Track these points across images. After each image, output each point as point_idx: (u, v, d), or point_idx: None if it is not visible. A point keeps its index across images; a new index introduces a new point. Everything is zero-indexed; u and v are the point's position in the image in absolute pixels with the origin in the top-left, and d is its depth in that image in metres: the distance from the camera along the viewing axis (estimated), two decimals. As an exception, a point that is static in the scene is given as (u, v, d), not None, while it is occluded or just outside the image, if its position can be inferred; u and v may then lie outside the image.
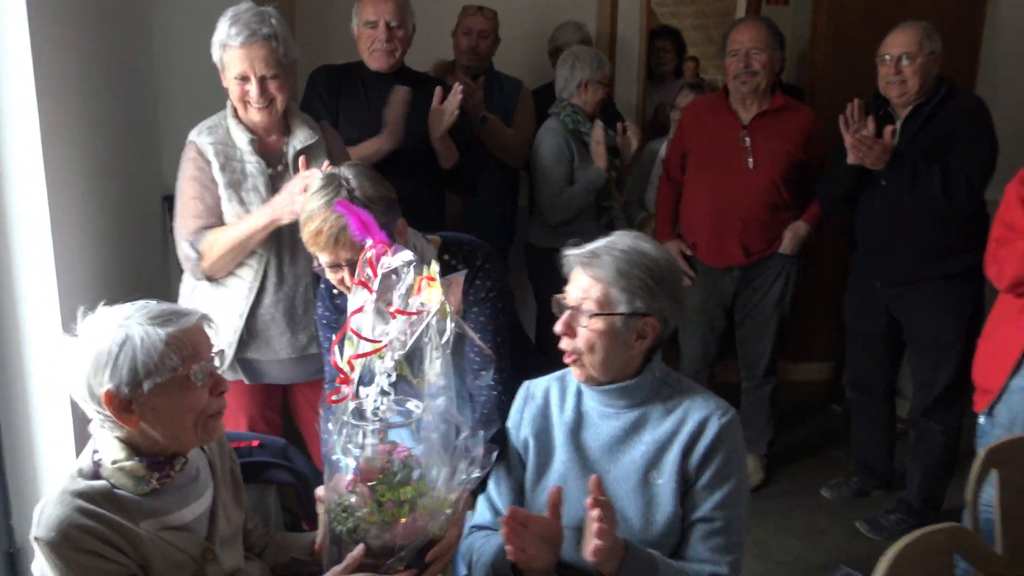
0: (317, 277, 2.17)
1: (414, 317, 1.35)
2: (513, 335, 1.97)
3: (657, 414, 1.58)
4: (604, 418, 1.61)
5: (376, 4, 2.69)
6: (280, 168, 2.22)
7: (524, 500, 1.67)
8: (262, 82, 2.11)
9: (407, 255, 1.37)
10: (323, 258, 1.71)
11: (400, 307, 1.35)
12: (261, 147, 2.19)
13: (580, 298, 1.54)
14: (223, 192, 2.16)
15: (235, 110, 2.19)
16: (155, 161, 2.76)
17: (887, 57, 2.82)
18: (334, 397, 1.38)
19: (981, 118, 2.80)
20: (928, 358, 2.99)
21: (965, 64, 3.97)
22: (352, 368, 1.38)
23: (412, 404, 1.39)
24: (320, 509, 1.48)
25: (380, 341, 1.35)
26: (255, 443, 1.68)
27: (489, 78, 3.34)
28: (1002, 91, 4.05)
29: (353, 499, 1.34)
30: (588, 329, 1.53)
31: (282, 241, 2.19)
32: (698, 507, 1.53)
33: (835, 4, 3.91)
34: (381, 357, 1.36)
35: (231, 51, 2.10)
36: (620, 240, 1.57)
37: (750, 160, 3.06)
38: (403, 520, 1.30)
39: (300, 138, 2.23)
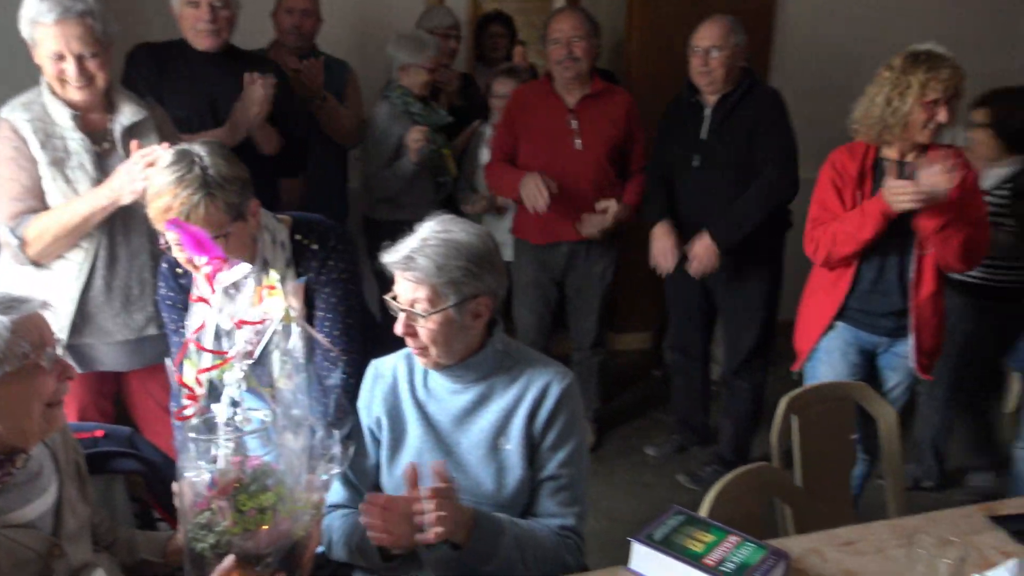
0: (155, 255, 2.10)
1: (258, 326, 1.36)
2: (360, 315, 2.01)
3: (502, 384, 1.67)
4: (452, 393, 1.68)
5: None
6: (107, 146, 2.13)
7: (380, 476, 1.73)
8: (80, 61, 2.01)
9: (245, 267, 1.37)
10: (171, 235, 1.68)
11: (243, 318, 1.36)
12: (84, 124, 2.09)
13: (410, 300, 1.58)
14: (45, 171, 2.04)
15: (51, 87, 2.07)
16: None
17: (697, 49, 3.06)
18: (184, 414, 1.36)
19: (780, 108, 3.11)
20: (735, 323, 3.30)
21: (761, 55, 4.35)
22: (200, 384, 1.37)
23: (262, 413, 1.39)
24: (177, 501, 1.46)
25: (225, 353, 1.35)
26: (99, 433, 1.62)
27: (316, 58, 3.31)
28: (793, 79, 4.50)
29: (210, 515, 1.32)
30: (426, 328, 1.58)
31: (114, 219, 2.10)
32: (545, 467, 1.65)
33: (648, -6, 4.15)
34: (230, 368, 1.36)
35: (43, 28, 1.98)
36: (431, 235, 1.59)
37: (578, 141, 3.21)
38: (266, 527, 1.31)
39: (127, 115, 2.15)
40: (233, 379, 1.35)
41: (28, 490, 1.33)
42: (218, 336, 1.37)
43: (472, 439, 1.66)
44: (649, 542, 1.45)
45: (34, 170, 2.03)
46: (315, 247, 1.90)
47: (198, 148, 1.72)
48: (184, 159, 1.68)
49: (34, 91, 2.09)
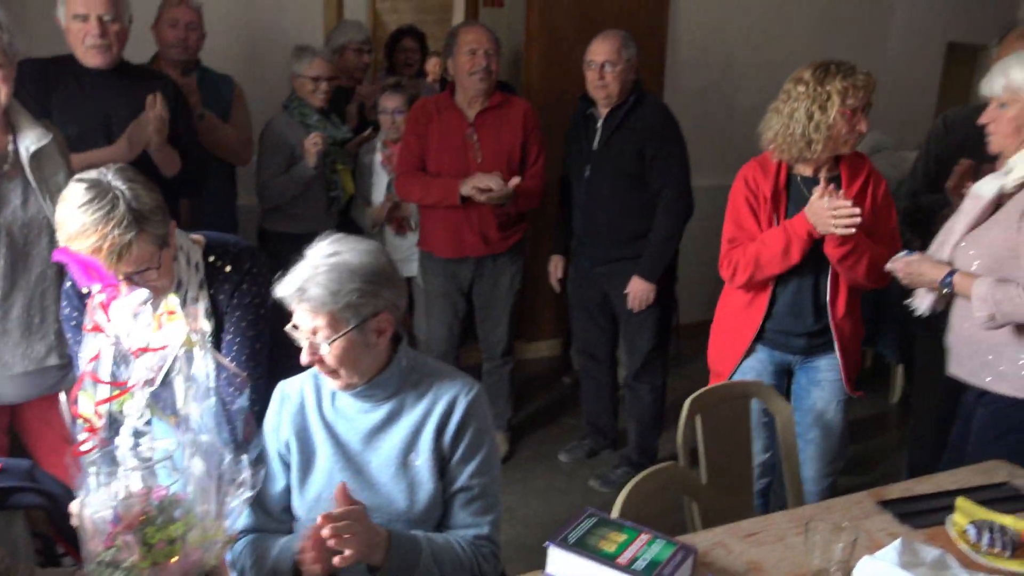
0: (59, 279, 2.03)
1: (159, 353, 1.34)
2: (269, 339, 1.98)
3: (410, 400, 1.67)
4: (360, 412, 1.67)
5: None
6: (7, 168, 2.05)
7: (291, 499, 1.70)
8: None
9: (141, 294, 1.35)
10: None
11: (142, 345, 1.33)
12: None
13: (311, 329, 1.56)
14: None
15: None
16: None
17: (592, 63, 3.15)
18: (82, 448, 1.32)
19: (670, 123, 3.25)
20: (631, 326, 3.41)
21: (655, 67, 4.51)
22: (99, 416, 1.33)
23: (167, 443, 1.35)
24: (75, 522, 1.41)
25: (125, 383, 1.32)
26: (-4, 467, 1.55)
27: (199, 74, 3.25)
28: (685, 89, 4.69)
29: (115, 552, 1.27)
30: (331, 354, 1.57)
31: (15, 246, 2.02)
32: (456, 479, 1.66)
33: (546, 8, 4.24)
34: (129, 398, 1.33)
35: None
36: (321, 261, 1.56)
37: (479, 155, 3.26)
38: (175, 559, 1.27)
39: (32, 137, 2.07)
40: (134, 410, 1.32)
41: None
42: (116, 365, 1.34)
43: (382, 457, 1.66)
44: (564, 545, 1.49)
45: None
46: (228, 270, 1.87)
47: (113, 179, 1.65)
48: (104, 194, 1.61)
49: None
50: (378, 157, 3.62)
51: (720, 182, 3.50)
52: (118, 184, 1.65)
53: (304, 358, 1.58)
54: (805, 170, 2.44)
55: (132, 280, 1.64)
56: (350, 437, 1.67)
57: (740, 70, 4.80)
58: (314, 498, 1.65)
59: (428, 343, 3.60)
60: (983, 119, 2.16)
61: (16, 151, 2.07)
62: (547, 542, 1.49)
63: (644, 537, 1.53)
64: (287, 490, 1.70)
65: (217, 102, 3.23)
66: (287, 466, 1.70)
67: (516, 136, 3.30)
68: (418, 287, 3.65)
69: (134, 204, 1.63)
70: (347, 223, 3.61)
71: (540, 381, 4.47)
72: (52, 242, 2.12)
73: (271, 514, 1.70)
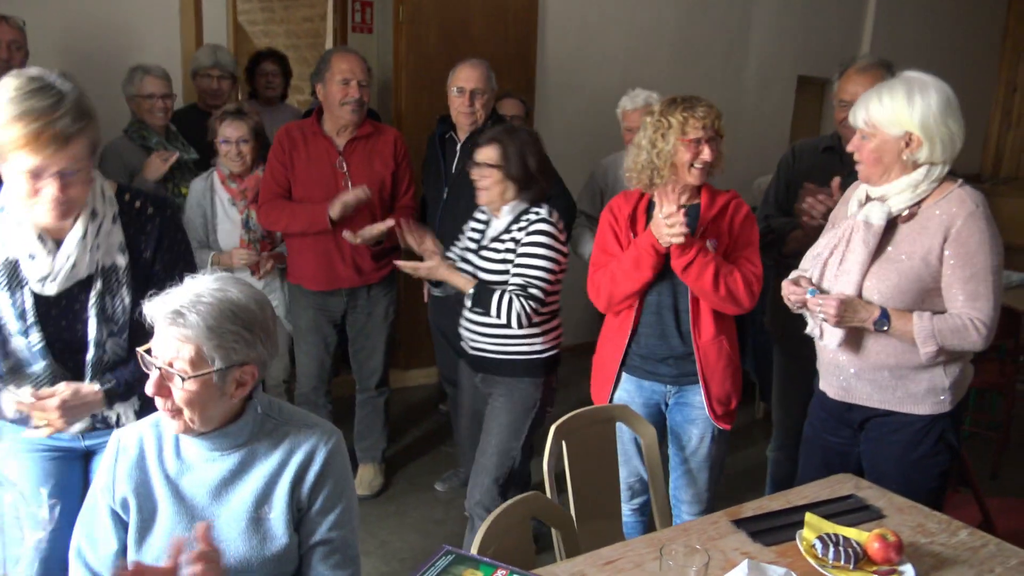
0: None
1: None
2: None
3: (263, 449, 1.58)
4: (208, 462, 1.57)
5: None
6: None
7: (121, 562, 1.56)
8: None
9: None
10: (29, 162, 1.55)
11: None
12: None
13: (171, 358, 1.46)
14: None
15: None
16: None
17: (461, 90, 3.16)
18: None
19: (537, 144, 3.27)
20: None
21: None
22: None
23: None
24: None
25: None
26: None
27: None
28: (554, 116, 4.78)
29: None
30: (183, 390, 1.46)
31: None
32: (314, 531, 1.59)
33: (413, 35, 4.25)
34: None
35: None
36: (207, 292, 1.48)
37: (348, 184, 3.18)
38: None
39: None
40: None
41: None
42: None
43: (232, 511, 1.56)
44: (419, 586, 1.45)
45: None
46: (151, 211, 1.82)
47: (58, 79, 1.60)
48: (51, 87, 1.58)
49: None
50: (222, 194, 3.25)
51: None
52: (64, 83, 1.60)
53: (149, 388, 1.47)
54: None
55: (64, 178, 1.59)
56: (196, 491, 1.56)
57: (606, 98, 4.94)
58: (153, 560, 1.53)
59: (298, 378, 3.48)
60: (850, 148, 2.23)
61: None
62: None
63: (500, 573, 1.51)
64: (122, 552, 1.57)
65: None
66: (123, 525, 1.57)
67: (387, 165, 3.26)
68: (280, 324, 3.52)
69: (82, 101, 1.60)
70: None
71: (416, 410, 4.42)
72: None
73: None
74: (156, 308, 1.47)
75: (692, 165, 2.37)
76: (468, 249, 2.78)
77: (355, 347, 3.46)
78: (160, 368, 1.46)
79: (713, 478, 2.62)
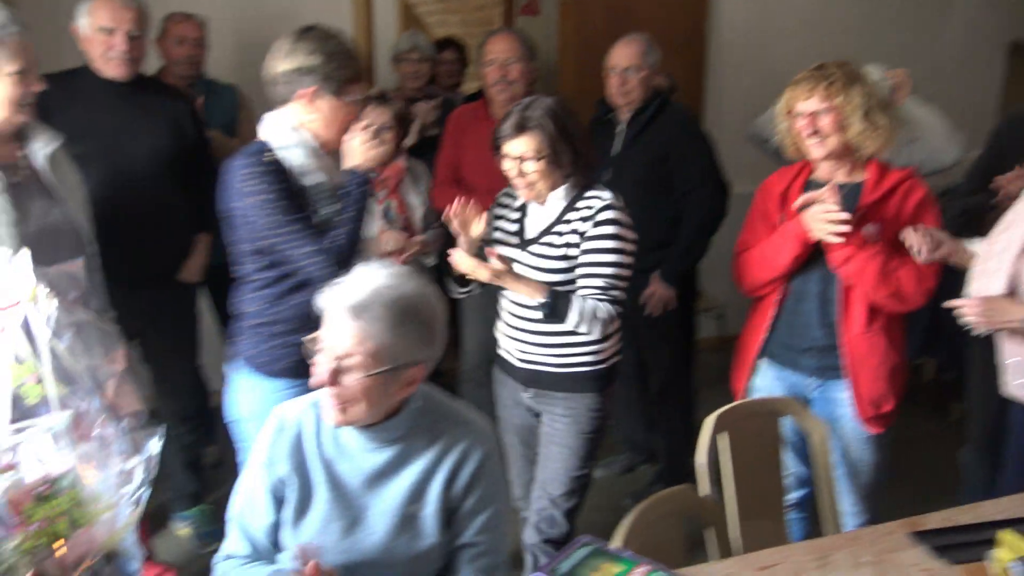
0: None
1: (10, 310, 1.24)
2: None
3: (420, 445, 1.56)
4: (365, 452, 1.56)
5: (115, 10, 2.52)
6: (24, 174, 2.06)
7: (281, 534, 1.60)
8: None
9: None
10: None
11: None
12: None
13: (349, 350, 1.44)
14: None
15: None
16: None
17: (614, 69, 3.05)
18: None
19: (693, 128, 3.13)
20: (651, 339, 3.24)
21: (694, 74, 4.39)
22: None
23: (51, 418, 1.24)
24: None
25: None
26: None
27: (204, 87, 3.23)
28: (727, 96, 4.55)
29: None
30: (356, 385, 1.45)
31: (42, 255, 1.96)
32: (463, 533, 1.57)
33: (579, 17, 4.17)
34: None
35: None
36: (385, 288, 1.46)
37: None
38: (63, 540, 1.16)
39: (42, 141, 2.09)
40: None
41: None
42: None
43: (385, 504, 1.55)
44: (554, 577, 1.39)
45: None
46: None
47: None
48: None
49: None
50: None
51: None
52: None
53: (319, 377, 1.47)
54: (821, 174, 2.30)
55: None
56: (351, 478, 1.56)
57: (784, 73, 4.62)
58: (307, 541, 1.54)
59: (463, 357, 3.51)
60: None
61: (27, 157, 2.08)
62: (534, 572, 1.39)
63: (642, 569, 1.42)
64: (275, 526, 1.59)
65: (223, 114, 3.21)
66: (279, 501, 1.59)
67: None
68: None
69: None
70: None
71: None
72: (76, 245, 2.12)
73: (255, 545, 1.61)
74: (334, 298, 1.46)
75: (809, 139, 2.20)
76: (506, 244, 2.33)
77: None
78: (331, 362, 1.45)
79: (869, 485, 2.38)
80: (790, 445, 2.38)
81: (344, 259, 1.97)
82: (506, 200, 2.39)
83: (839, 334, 2.26)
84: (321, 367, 1.46)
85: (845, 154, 2.23)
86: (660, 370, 3.29)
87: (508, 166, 2.21)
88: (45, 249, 2.01)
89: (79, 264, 1.37)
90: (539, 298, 2.14)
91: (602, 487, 3.48)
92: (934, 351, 3.94)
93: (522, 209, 2.33)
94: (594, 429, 2.33)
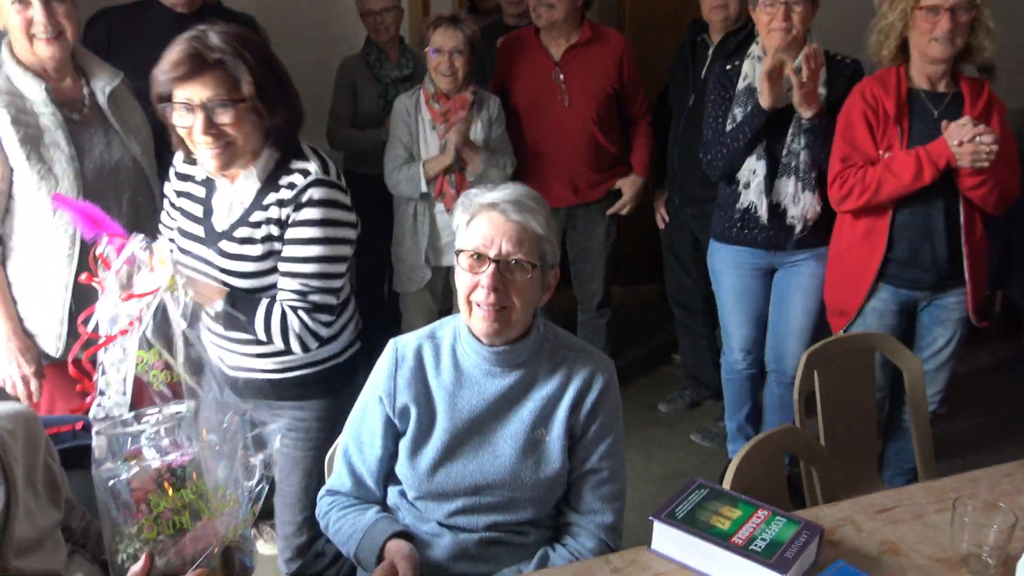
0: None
1: (144, 299, 1.24)
2: None
3: (543, 372, 1.55)
4: (489, 377, 1.54)
5: None
6: (86, 111, 2.01)
7: (395, 466, 1.59)
8: (47, 6, 1.88)
9: (140, 240, 1.26)
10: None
11: (134, 291, 1.24)
12: (56, 94, 1.96)
13: (510, 250, 1.44)
14: (18, 149, 1.90)
15: (15, 58, 1.93)
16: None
17: None
18: (98, 415, 1.24)
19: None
20: None
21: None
22: (92, 371, 1.25)
23: (179, 406, 1.24)
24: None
25: (117, 332, 1.23)
26: (79, 426, 1.51)
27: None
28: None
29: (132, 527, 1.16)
30: (519, 284, 1.45)
31: (103, 192, 1.98)
32: (587, 459, 1.55)
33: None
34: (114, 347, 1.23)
35: None
36: (515, 187, 1.49)
37: (565, 98, 3.02)
38: (188, 530, 1.16)
39: (105, 79, 2.04)
40: (112, 360, 1.23)
41: None
42: (111, 315, 1.26)
43: (510, 428, 1.53)
44: (671, 521, 1.34)
45: None
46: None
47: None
48: None
49: None
50: (425, 113, 2.86)
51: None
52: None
53: (486, 280, 1.43)
54: (921, 83, 2.28)
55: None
56: (475, 405, 1.54)
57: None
58: (427, 469, 1.53)
59: (580, 300, 3.44)
60: None
61: (92, 94, 2.04)
62: (652, 516, 1.35)
63: (762, 513, 1.36)
64: (387, 458, 1.58)
65: None
66: (393, 434, 1.57)
67: (609, 77, 3.04)
68: None
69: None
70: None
71: (638, 328, 4.29)
72: (139, 185, 2.08)
73: (361, 482, 1.60)
74: (487, 196, 1.46)
75: (932, 39, 2.14)
76: (188, 234, 1.77)
77: (575, 268, 3.35)
78: (497, 259, 1.44)
79: (950, 379, 2.48)
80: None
81: None
82: (186, 169, 1.80)
83: (964, 242, 2.28)
84: (482, 272, 1.45)
85: (951, 60, 2.20)
86: None
87: (182, 121, 1.61)
88: (106, 187, 2.01)
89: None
90: (216, 304, 1.67)
91: (669, 423, 3.46)
92: (1006, 285, 3.85)
93: (207, 185, 1.77)
94: (329, 437, 1.81)
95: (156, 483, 1.14)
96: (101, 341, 1.23)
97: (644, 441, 3.32)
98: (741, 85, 2.54)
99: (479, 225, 1.46)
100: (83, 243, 1.92)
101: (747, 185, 2.55)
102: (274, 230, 1.68)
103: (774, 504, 1.41)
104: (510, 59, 3.09)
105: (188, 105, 1.57)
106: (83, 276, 1.35)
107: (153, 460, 1.16)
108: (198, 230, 1.74)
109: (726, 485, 1.50)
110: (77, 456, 1.49)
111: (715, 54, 2.95)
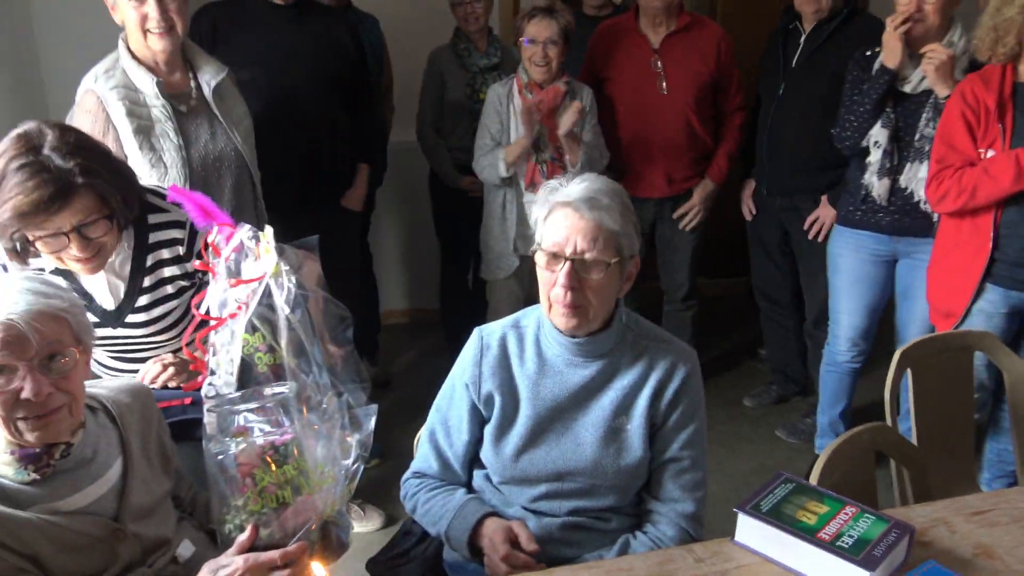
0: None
1: (250, 285, 1.29)
2: None
3: (625, 362, 1.56)
4: (571, 367, 1.56)
5: None
6: (193, 103, 2.12)
7: (480, 452, 1.63)
8: (161, 2, 1.99)
9: (247, 229, 1.32)
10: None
11: (241, 276, 1.30)
12: (166, 87, 2.07)
13: (584, 248, 1.44)
14: (131, 139, 2.02)
15: (130, 52, 2.05)
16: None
17: None
18: (209, 393, 1.30)
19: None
20: (811, 266, 3.09)
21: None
22: (204, 351, 1.31)
23: (282, 387, 1.29)
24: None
25: (227, 316, 1.29)
26: (187, 401, 1.60)
27: (353, 17, 3.14)
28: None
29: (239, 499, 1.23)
30: (596, 280, 1.46)
31: (207, 179, 2.10)
32: (667, 448, 1.56)
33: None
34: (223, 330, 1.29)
35: None
36: (598, 182, 1.48)
37: (664, 85, 3.01)
38: (290, 505, 1.21)
39: (211, 72, 2.14)
40: (222, 342, 1.29)
41: (78, 477, 1.29)
42: (222, 300, 1.32)
43: (591, 417, 1.56)
44: (756, 514, 1.34)
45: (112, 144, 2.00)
46: None
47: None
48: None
49: (110, 58, 2.07)
50: (517, 102, 2.86)
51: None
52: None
53: (563, 279, 1.45)
54: None
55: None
56: (557, 392, 1.56)
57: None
58: (511, 455, 1.57)
59: (665, 290, 3.44)
60: None
61: (198, 87, 2.14)
62: (736, 508, 1.35)
63: (850, 510, 1.35)
64: (472, 444, 1.62)
65: (370, 47, 3.10)
66: (479, 420, 1.62)
67: (707, 65, 3.02)
68: None
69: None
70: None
71: (724, 322, 4.24)
72: (240, 173, 2.18)
73: (448, 465, 1.64)
74: (561, 196, 1.46)
75: None
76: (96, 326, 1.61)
77: (662, 259, 3.34)
78: (573, 258, 1.44)
79: None
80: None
81: None
82: (36, 264, 1.63)
83: None
84: (558, 271, 1.46)
85: None
86: (817, 299, 3.12)
87: (51, 248, 1.53)
88: (210, 174, 2.11)
89: (314, 243, 1.41)
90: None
91: (754, 418, 3.42)
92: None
93: (65, 276, 1.65)
94: None
95: (260, 459, 1.20)
96: (212, 324, 1.31)
97: (728, 436, 3.29)
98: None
99: (555, 223, 1.48)
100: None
101: (872, 167, 2.53)
102: (174, 270, 1.71)
103: (862, 503, 1.39)
104: (607, 47, 3.08)
105: (57, 233, 1.49)
106: (197, 263, 1.43)
107: (258, 438, 1.22)
108: (97, 320, 1.67)
109: (813, 480, 1.48)
110: (185, 429, 1.59)
111: (807, 42, 2.89)
